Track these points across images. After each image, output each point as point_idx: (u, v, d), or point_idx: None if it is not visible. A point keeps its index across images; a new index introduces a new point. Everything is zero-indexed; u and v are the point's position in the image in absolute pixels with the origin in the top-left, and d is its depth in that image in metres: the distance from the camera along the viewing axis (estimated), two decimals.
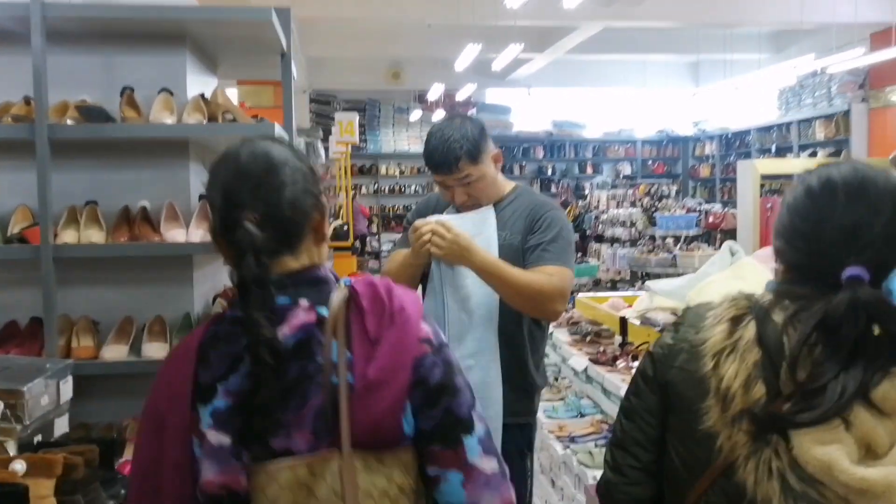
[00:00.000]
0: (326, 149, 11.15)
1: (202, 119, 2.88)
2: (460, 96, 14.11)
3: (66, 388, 2.65)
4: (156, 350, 2.85)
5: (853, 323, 1.19)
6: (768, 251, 3.06)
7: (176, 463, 1.34)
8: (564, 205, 12.08)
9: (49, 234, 2.72)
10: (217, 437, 1.32)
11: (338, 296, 1.36)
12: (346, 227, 10.00)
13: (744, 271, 3.79)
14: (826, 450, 1.14)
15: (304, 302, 1.37)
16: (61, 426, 2.66)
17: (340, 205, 10.72)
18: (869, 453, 1.15)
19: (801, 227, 1.32)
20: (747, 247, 8.35)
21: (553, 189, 15.24)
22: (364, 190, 15.59)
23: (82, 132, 2.75)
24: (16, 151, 2.83)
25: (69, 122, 2.77)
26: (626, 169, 15.72)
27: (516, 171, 15.43)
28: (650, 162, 15.78)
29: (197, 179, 3.14)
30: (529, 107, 15.35)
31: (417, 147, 15.23)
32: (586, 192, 13.42)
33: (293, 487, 1.28)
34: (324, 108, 14.25)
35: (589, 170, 15.66)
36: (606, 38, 11.63)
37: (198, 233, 2.89)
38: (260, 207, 1.36)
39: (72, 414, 2.97)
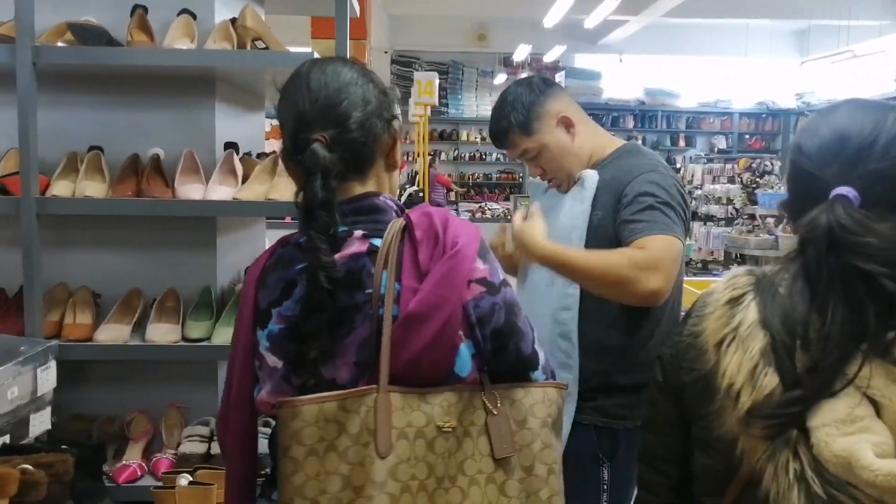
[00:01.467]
0: (405, 111, 10.59)
1: (230, 48, 2.30)
2: (548, 58, 13.30)
3: (47, 377, 2.13)
4: (163, 334, 2.30)
5: (820, 253, 1.00)
6: None
7: (240, 383, 1.35)
8: None
9: (31, 184, 2.18)
10: (272, 360, 1.32)
11: (393, 226, 1.32)
12: (421, 195, 9.45)
13: None
14: (847, 442, 0.94)
15: (358, 232, 1.33)
16: (41, 423, 2.15)
17: (416, 171, 10.17)
18: None
19: (796, 147, 1.13)
20: None
21: None
22: (443, 156, 15.00)
23: (73, 56, 2.20)
24: (3, 82, 2.31)
25: (60, 44, 2.22)
26: (722, 142, 14.64)
27: None
28: (748, 136, 14.68)
29: (224, 124, 2.57)
30: (620, 74, 14.41)
31: None
32: (678, 165, 12.52)
33: (319, 423, 1.21)
34: (405, 69, 13.67)
35: (682, 142, 14.64)
36: (706, 1, 10.69)
37: (220, 189, 2.32)
38: (330, 128, 1.32)
39: (70, 402, 2.47)
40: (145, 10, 2.34)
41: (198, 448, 2.30)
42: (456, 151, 15.17)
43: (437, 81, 9.56)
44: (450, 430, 1.26)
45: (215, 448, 2.30)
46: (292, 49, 2.47)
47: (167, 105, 2.47)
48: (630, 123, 14.55)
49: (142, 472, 2.29)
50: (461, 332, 1.28)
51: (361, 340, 1.28)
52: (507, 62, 14.19)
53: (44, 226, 2.28)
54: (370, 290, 1.28)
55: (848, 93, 12.56)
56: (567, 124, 2.18)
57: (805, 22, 12.84)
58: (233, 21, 2.38)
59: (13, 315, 2.37)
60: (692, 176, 10.54)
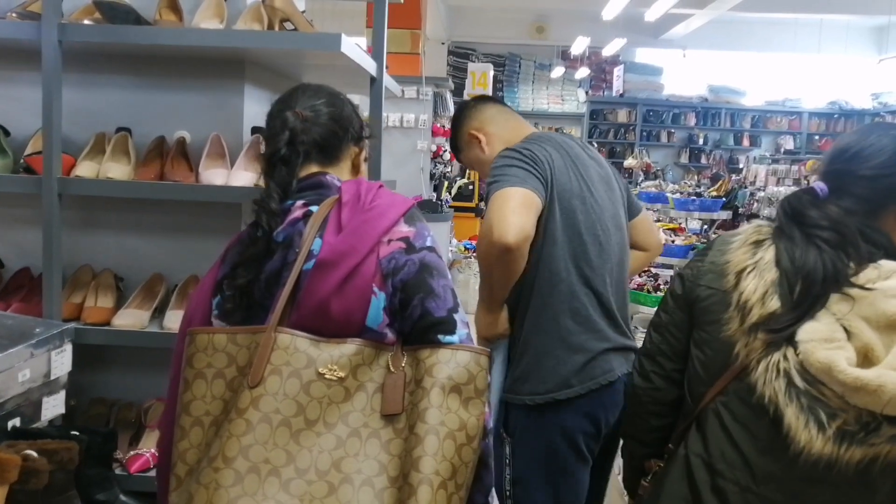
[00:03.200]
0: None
1: (259, 29, 2.23)
2: (606, 52, 13.04)
3: (62, 360, 2.09)
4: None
5: (781, 220, 1.46)
6: None
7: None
8: (715, 178, 10.96)
9: (54, 164, 2.15)
10: (218, 324, 1.42)
11: (331, 196, 1.44)
12: (471, 187, 9.35)
13: None
14: (827, 353, 1.27)
15: (299, 202, 1.46)
16: (54, 406, 2.11)
17: None
18: (866, 360, 1.28)
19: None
20: None
21: (703, 160, 13.96)
22: None
23: (100, 34, 2.15)
24: (39, 60, 2.27)
25: (87, 22, 2.18)
26: (789, 143, 14.18)
27: (664, 137, 14.22)
28: (817, 137, 14.17)
29: (253, 107, 2.50)
30: (683, 69, 14.06)
31: (558, 106, 14.30)
32: (741, 165, 12.16)
33: (208, 351, 1.32)
34: (461, 61, 13.54)
35: (746, 141, 14.22)
36: None
37: (243, 175, 2.26)
38: (305, 108, 1.52)
39: (91, 385, 2.45)
40: None
41: None
42: None
43: (491, 73, 9.44)
44: (335, 379, 1.31)
45: None
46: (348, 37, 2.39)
47: (195, 87, 2.42)
48: (692, 121, 14.20)
49: (154, 462, 2.25)
50: (375, 286, 1.36)
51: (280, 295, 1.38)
52: (564, 55, 13.95)
53: (69, 206, 2.25)
54: (298, 249, 1.40)
55: None
56: (474, 139, 2.24)
57: (884, 18, 12.29)
58: (264, 1, 2.31)
59: (36, 295, 2.34)
60: (755, 177, 10.20)
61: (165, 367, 2.45)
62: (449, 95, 9.18)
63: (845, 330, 1.31)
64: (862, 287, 1.32)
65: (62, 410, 2.11)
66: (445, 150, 10.05)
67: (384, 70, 2.75)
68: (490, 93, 9.60)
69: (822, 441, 1.29)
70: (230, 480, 1.23)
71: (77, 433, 2.00)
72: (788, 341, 1.34)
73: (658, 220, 8.02)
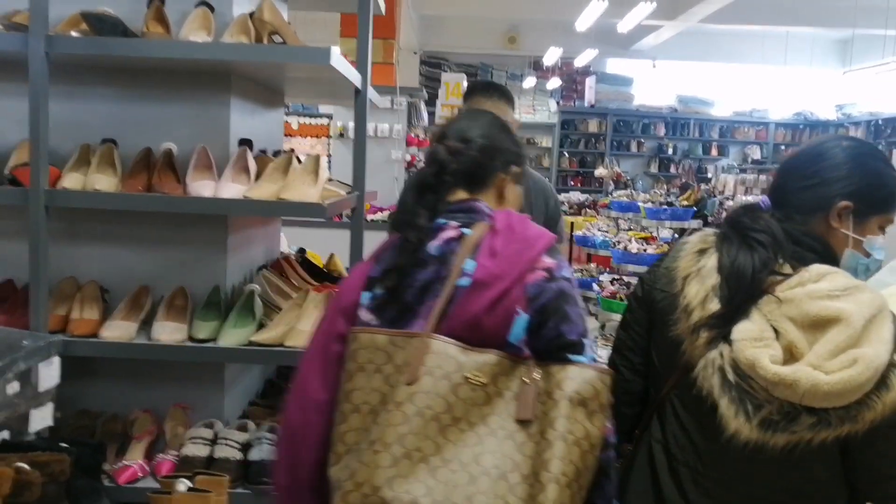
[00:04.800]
0: (431, 113, 10.51)
1: (246, 42, 2.25)
2: (579, 62, 13.15)
3: (50, 372, 2.08)
4: (170, 332, 2.25)
5: (725, 229, 1.61)
6: None
7: (340, 335, 1.57)
8: (685, 187, 11.09)
9: (40, 176, 2.14)
10: (367, 317, 1.57)
11: (483, 222, 1.60)
12: None
13: None
14: (754, 352, 1.44)
15: (453, 223, 1.61)
16: (42, 419, 2.10)
17: None
18: (792, 357, 1.44)
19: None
20: None
21: (673, 169, 14.13)
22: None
23: (88, 46, 2.16)
24: (22, 71, 2.26)
25: (74, 34, 2.18)
26: (756, 153, 14.40)
27: (634, 147, 14.37)
28: (783, 147, 14.39)
29: (239, 119, 2.51)
30: (653, 80, 14.23)
31: (529, 116, 14.37)
32: (710, 174, 12.33)
33: (370, 349, 1.49)
34: (433, 70, 13.58)
35: (714, 151, 14.41)
36: (745, 7, 10.48)
37: (231, 187, 2.27)
38: (458, 139, 1.66)
39: (76, 398, 2.43)
40: (162, 1, 2.29)
41: (200, 451, 2.25)
42: None
43: (465, 83, 9.48)
44: (479, 384, 1.48)
45: (218, 452, 2.25)
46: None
47: (182, 99, 2.42)
48: (661, 131, 14.36)
49: (143, 473, 2.25)
50: (520, 308, 1.52)
51: (435, 305, 1.54)
52: (536, 65, 14.06)
53: (54, 218, 2.24)
54: (452, 266, 1.55)
55: (892, 104, 12.22)
56: None
57: (849, 31, 12.55)
58: (251, 14, 2.32)
59: (20, 307, 2.33)
60: (724, 186, 10.34)
61: (150, 378, 2.47)
62: (423, 105, 9.21)
63: (774, 329, 1.46)
64: (783, 301, 1.48)
65: (50, 423, 2.10)
66: (419, 160, 10.09)
67: (368, 82, 2.78)
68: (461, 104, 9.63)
69: (748, 428, 1.45)
70: (387, 462, 1.41)
71: (66, 445, 2.00)
72: (725, 339, 1.48)
73: (630, 230, 8.12)
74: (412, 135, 8.88)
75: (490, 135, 1.69)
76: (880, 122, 12.82)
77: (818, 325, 1.44)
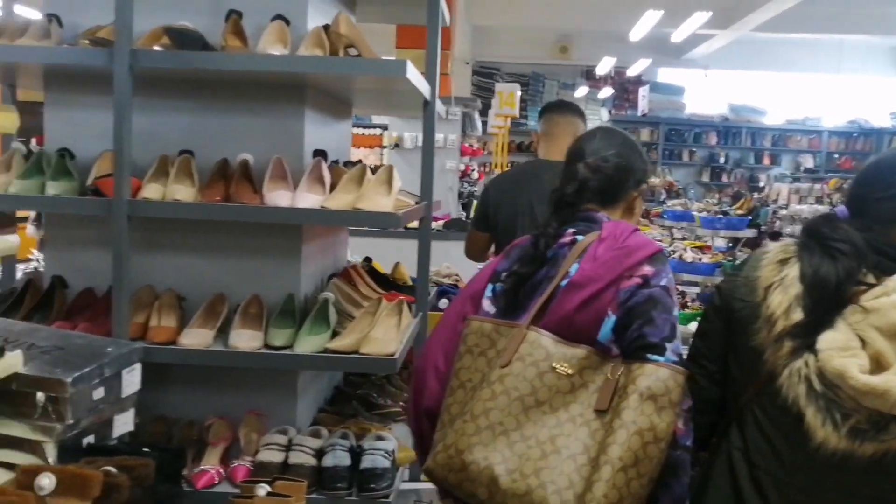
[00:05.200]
0: (484, 122, 10.52)
1: (322, 55, 2.28)
2: (631, 72, 13.09)
3: (132, 379, 2.13)
4: (246, 340, 2.29)
5: (804, 239, 1.63)
6: None
7: (465, 316, 1.77)
8: (737, 196, 10.94)
9: (123, 187, 2.20)
10: (488, 306, 1.79)
11: (596, 231, 1.76)
12: None
13: None
14: (842, 361, 1.43)
15: (570, 231, 1.79)
16: (124, 424, 2.15)
17: None
18: (879, 366, 1.43)
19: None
20: None
21: (724, 178, 13.97)
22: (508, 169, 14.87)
23: (170, 60, 2.21)
24: (103, 85, 2.33)
25: (157, 48, 2.23)
26: (809, 161, 14.17)
27: (686, 156, 14.23)
28: (837, 155, 14.16)
29: (314, 131, 2.55)
30: (705, 88, 14.09)
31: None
32: (762, 183, 12.14)
33: (477, 334, 1.70)
34: (486, 80, 13.62)
35: (766, 160, 14.22)
36: (799, 15, 10.32)
37: (307, 197, 2.30)
38: (597, 158, 1.84)
39: (152, 404, 2.48)
40: (240, 15, 2.34)
41: (276, 457, 2.28)
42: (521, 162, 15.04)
43: (518, 93, 9.47)
44: (564, 374, 1.63)
45: (292, 458, 2.28)
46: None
47: (257, 111, 2.47)
48: (713, 140, 14.20)
49: (219, 478, 2.28)
50: (610, 310, 1.67)
51: (544, 300, 1.71)
52: (589, 75, 14.01)
53: (133, 228, 2.29)
54: (560, 269, 1.74)
55: None
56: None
57: None
58: (325, 27, 2.36)
59: (100, 315, 2.39)
60: (777, 195, 10.18)
61: (225, 385, 2.51)
62: (477, 115, 9.23)
63: (860, 339, 1.46)
64: (862, 306, 1.48)
65: (131, 428, 2.15)
66: (474, 170, 10.10)
67: (437, 93, 2.80)
68: (516, 112, 9.63)
69: (836, 437, 1.46)
70: (472, 431, 1.60)
71: (148, 450, 2.04)
72: (810, 349, 1.49)
73: (684, 239, 8.03)
74: (466, 144, 8.90)
75: (624, 154, 1.86)
76: None
77: None
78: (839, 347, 1.46)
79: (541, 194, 2.76)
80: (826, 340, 1.48)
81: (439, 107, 3.13)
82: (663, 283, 1.70)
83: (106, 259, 2.29)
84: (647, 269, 1.69)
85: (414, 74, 2.27)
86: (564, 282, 1.69)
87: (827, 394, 1.46)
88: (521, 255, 1.80)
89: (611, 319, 1.66)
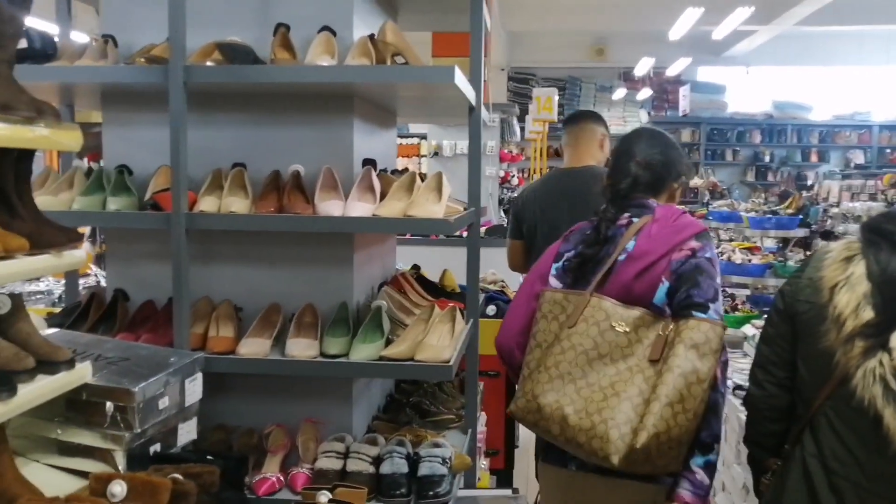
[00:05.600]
0: (522, 128, 10.52)
1: (369, 64, 2.31)
2: (671, 72, 12.97)
3: (194, 388, 2.18)
4: (302, 349, 2.32)
5: (867, 236, 1.59)
6: None
7: (537, 293, 2.12)
8: (784, 196, 10.76)
9: (181, 200, 2.25)
10: (555, 283, 2.13)
11: (649, 214, 2.09)
12: None
13: None
14: None
15: (626, 214, 2.12)
16: (187, 433, 2.20)
17: None
18: None
19: None
20: None
21: (770, 178, 13.75)
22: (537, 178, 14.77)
23: (223, 75, 2.26)
24: (157, 102, 2.39)
25: (209, 63, 2.28)
26: (859, 157, 13.87)
27: (729, 156, 14.05)
28: (888, 150, 13.86)
29: (362, 140, 2.58)
30: (747, 86, 13.89)
31: (619, 128, 14.20)
32: (810, 181, 11.92)
33: (550, 302, 2.04)
34: (521, 86, 13.61)
35: (814, 157, 13.96)
36: (843, 7, 10.14)
37: (359, 206, 2.33)
38: (645, 156, 2.17)
39: (211, 412, 2.52)
40: (287, 28, 2.38)
41: (334, 464, 2.30)
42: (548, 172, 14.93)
43: (556, 97, 9.44)
44: (622, 331, 1.95)
45: (350, 465, 2.30)
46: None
47: (307, 122, 2.51)
48: (757, 138, 14.01)
49: (280, 485, 2.31)
50: (664, 278, 1.99)
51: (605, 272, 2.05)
52: (626, 76, 13.92)
53: (190, 240, 2.34)
54: (618, 246, 2.06)
55: None
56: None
57: None
58: (371, 37, 2.39)
59: (161, 326, 2.44)
60: (827, 193, 9.99)
61: (281, 394, 2.55)
62: (515, 121, 9.25)
63: None
64: None
65: (194, 436, 2.19)
66: (513, 176, 10.11)
67: (482, 99, 2.81)
68: (554, 116, 9.63)
69: None
70: (546, 379, 1.96)
71: (212, 458, 2.08)
72: (883, 348, 1.45)
73: (731, 240, 7.92)
74: (505, 150, 8.91)
75: (666, 152, 2.20)
76: None
77: None
78: None
79: (572, 201, 3.27)
80: None
81: (483, 113, 3.14)
82: (708, 255, 2.01)
83: (165, 271, 2.34)
84: (694, 244, 2.01)
85: (462, 80, 2.28)
86: (622, 256, 2.02)
87: None
88: (583, 237, 2.13)
89: (664, 285, 1.98)
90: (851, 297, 1.53)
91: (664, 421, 1.81)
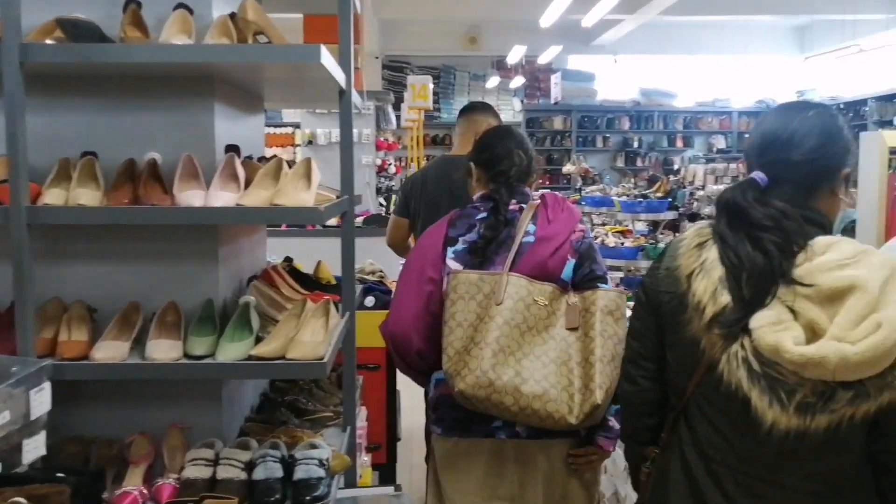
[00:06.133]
0: (398, 117, 10.44)
1: (230, 42, 2.16)
2: (542, 60, 13.17)
3: (41, 399, 1.97)
4: (164, 350, 2.15)
5: (725, 219, 1.56)
6: None
7: (430, 277, 2.31)
8: (652, 180, 11.14)
9: (21, 193, 2.04)
10: (454, 265, 2.30)
11: (532, 201, 2.38)
12: None
13: None
14: (775, 336, 1.40)
15: (513, 201, 2.37)
16: (35, 449, 1.99)
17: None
18: (814, 334, 1.40)
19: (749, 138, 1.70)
20: (870, 229, 7.31)
21: (639, 163, 14.22)
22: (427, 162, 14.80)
23: (65, 54, 2.05)
24: None
25: (49, 42, 2.07)
26: (721, 142, 14.53)
27: (599, 142, 14.43)
28: (747, 135, 14.55)
29: (225, 126, 2.42)
30: (615, 74, 14.30)
31: None
32: (676, 166, 12.39)
33: (465, 283, 2.20)
34: (396, 74, 13.54)
35: (679, 143, 14.54)
36: None
37: (222, 195, 2.18)
38: (521, 150, 2.46)
39: (66, 424, 2.32)
40: (139, 5, 2.19)
41: (203, 473, 2.15)
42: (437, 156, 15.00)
43: (430, 85, 9.42)
44: (542, 305, 2.19)
45: (221, 472, 2.15)
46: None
47: (163, 107, 2.32)
48: (626, 125, 14.44)
49: (143, 499, 2.14)
50: (569, 255, 2.28)
51: (511, 254, 2.26)
52: (499, 65, 14.06)
53: (36, 237, 2.13)
54: (517, 228, 2.30)
55: (852, 88, 12.45)
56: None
57: (807, 17, 12.74)
58: (231, 15, 2.24)
59: (4, 331, 2.21)
60: (693, 177, 10.40)
61: (144, 399, 2.37)
62: (390, 109, 9.15)
63: (792, 311, 1.43)
64: (801, 283, 1.44)
65: (43, 452, 1.98)
66: (390, 164, 10.00)
67: (352, 83, 2.70)
68: (429, 104, 9.59)
69: (786, 417, 1.40)
70: (489, 355, 2.10)
71: (62, 475, 1.90)
72: (744, 330, 1.45)
73: (604, 224, 8.10)
74: (381, 139, 8.80)
75: (531, 147, 2.49)
76: (841, 105, 12.98)
77: (835, 297, 1.40)
78: (771, 323, 1.42)
79: (453, 186, 3.23)
80: (757, 319, 1.44)
81: (355, 98, 3.03)
82: (590, 235, 2.37)
83: (6, 271, 2.12)
84: (581, 227, 2.34)
85: (329, 60, 2.16)
86: (528, 238, 2.27)
87: (768, 373, 1.42)
88: (482, 222, 2.32)
89: (571, 262, 2.27)
90: (708, 284, 1.52)
91: (608, 378, 2.10)
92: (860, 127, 11.57)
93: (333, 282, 3.07)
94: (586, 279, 2.26)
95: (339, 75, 2.45)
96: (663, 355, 1.71)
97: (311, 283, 2.98)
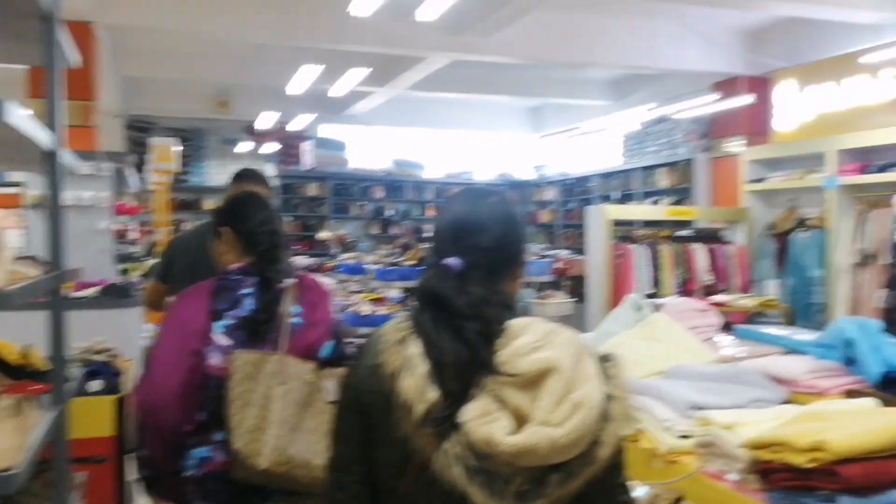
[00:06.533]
0: (143, 180, 9.82)
1: None
2: (292, 127, 13.09)
3: None
4: None
5: (428, 308, 1.52)
6: (682, 304, 3.64)
7: (194, 350, 2.36)
8: (407, 247, 11.37)
9: None
10: (224, 340, 2.38)
11: (292, 280, 2.53)
12: None
13: (657, 331, 3.12)
14: (485, 429, 1.37)
15: (280, 278, 2.50)
16: None
17: (156, 242, 9.42)
18: (522, 421, 1.38)
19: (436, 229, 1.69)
20: (598, 294, 7.88)
21: (395, 230, 14.46)
22: (189, 227, 14.11)
23: None
24: None
25: None
26: None
27: (355, 210, 14.52)
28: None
29: None
30: (368, 144, 14.56)
31: None
32: (428, 234, 12.73)
33: (248, 364, 2.30)
34: (140, 134, 12.75)
35: (430, 212, 15.00)
36: (451, 76, 11.09)
37: None
38: (274, 224, 2.62)
39: None
40: None
41: None
42: (200, 221, 14.37)
43: (176, 148, 8.99)
44: (311, 381, 2.36)
45: None
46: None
47: None
48: (380, 193, 14.67)
49: None
50: (330, 338, 2.48)
51: (275, 335, 2.40)
52: (251, 130, 13.78)
53: None
54: (282, 310, 2.44)
55: (580, 165, 13.62)
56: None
57: (540, 100, 13.76)
58: None
59: None
60: None
61: None
62: (134, 171, 8.56)
63: (499, 399, 1.41)
64: (505, 374, 1.43)
65: None
66: (133, 230, 9.32)
67: (61, 143, 2.40)
68: (174, 167, 9.13)
69: None
70: (284, 432, 2.25)
71: None
72: (454, 427, 1.42)
73: (360, 292, 8.06)
74: (122, 202, 8.18)
75: (278, 220, 2.61)
76: (571, 181, 14.11)
77: (535, 380, 1.41)
78: (479, 415, 1.40)
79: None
80: (466, 412, 1.41)
81: (74, 161, 2.71)
82: (341, 315, 2.46)
83: None
84: (332, 307, 2.56)
85: (19, 119, 1.88)
86: (296, 321, 2.44)
87: (482, 467, 1.39)
88: (250, 297, 2.42)
89: (329, 344, 2.47)
90: (413, 381, 1.46)
91: None
92: (585, 201, 12.61)
93: (45, 367, 2.68)
94: (340, 358, 2.44)
95: (40, 135, 2.15)
96: (373, 456, 1.62)
97: (17, 371, 2.58)
